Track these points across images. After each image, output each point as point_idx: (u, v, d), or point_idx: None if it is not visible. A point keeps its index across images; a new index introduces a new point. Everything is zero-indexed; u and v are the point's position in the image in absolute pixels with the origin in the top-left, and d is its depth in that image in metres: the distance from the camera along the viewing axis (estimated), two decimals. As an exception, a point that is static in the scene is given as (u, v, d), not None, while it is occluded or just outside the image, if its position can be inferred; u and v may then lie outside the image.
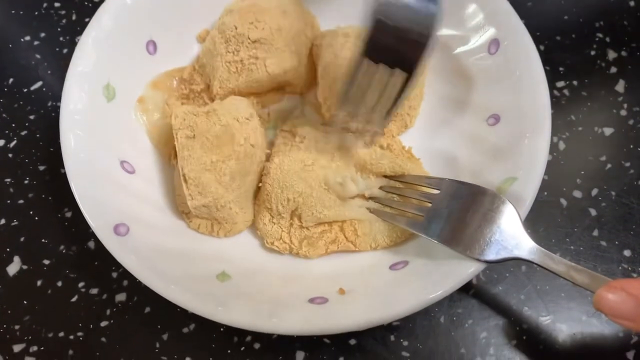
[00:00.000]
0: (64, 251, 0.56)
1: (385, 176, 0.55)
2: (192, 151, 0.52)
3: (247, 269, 0.52)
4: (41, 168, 0.61)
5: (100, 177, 0.51)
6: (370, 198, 0.55)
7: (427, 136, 0.60)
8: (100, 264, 0.55)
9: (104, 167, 0.52)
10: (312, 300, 0.48)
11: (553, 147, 0.62)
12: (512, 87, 0.55)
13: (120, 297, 0.54)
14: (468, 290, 0.54)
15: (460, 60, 0.60)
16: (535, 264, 0.44)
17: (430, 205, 0.50)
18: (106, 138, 0.54)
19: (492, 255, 0.45)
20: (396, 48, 0.43)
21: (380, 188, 0.55)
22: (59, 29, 0.69)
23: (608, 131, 0.63)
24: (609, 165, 0.61)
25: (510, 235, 0.45)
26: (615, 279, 0.40)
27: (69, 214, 0.58)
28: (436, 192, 0.51)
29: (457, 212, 0.48)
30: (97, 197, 0.50)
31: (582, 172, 0.61)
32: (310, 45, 0.61)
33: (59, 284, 0.55)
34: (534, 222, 0.58)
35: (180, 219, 0.55)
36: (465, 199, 0.49)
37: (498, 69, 0.57)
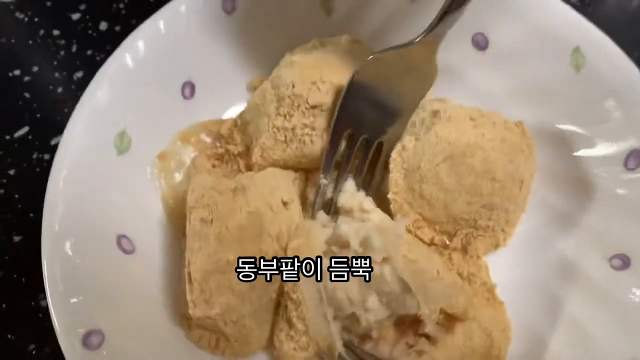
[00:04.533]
0: (34, 352, 0.45)
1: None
2: (204, 242, 0.39)
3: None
4: (16, 239, 0.49)
5: (85, 259, 0.39)
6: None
7: (521, 261, 0.45)
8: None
9: (93, 244, 0.40)
10: None
11: None
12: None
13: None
14: None
15: (581, 167, 0.45)
16: None
17: None
18: (105, 204, 0.42)
19: None
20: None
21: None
22: (55, 63, 0.57)
23: None
24: None
25: None
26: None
27: (44, 303, 0.46)
28: None
29: None
30: (73, 288, 0.38)
31: None
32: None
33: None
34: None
35: (179, 324, 0.42)
36: None
37: (636, 192, 0.42)
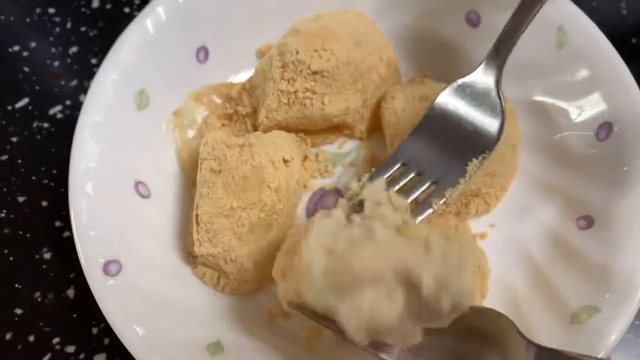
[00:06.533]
0: (39, 299, 0.49)
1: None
2: (212, 189, 0.44)
3: (246, 343, 0.43)
4: (20, 199, 0.52)
5: (106, 198, 0.44)
6: None
7: (504, 224, 0.49)
8: (79, 317, 0.47)
9: (114, 186, 0.45)
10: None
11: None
12: (614, 185, 0.44)
13: (100, 358, 0.47)
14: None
15: (558, 136, 0.49)
16: None
17: None
18: (125, 153, 0.47)
19: None
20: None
21: None
22: (51, 39, 0.60)
23: None
24: None
25: None
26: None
27: (47, 255, 0.50)
28: None
29: None
30: (95, 222, 0.43)
31: None
32: (381, 86, 0.51)
33: (31, 338, 0.48)
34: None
35: (186, 262, 0.47)
36: None
37: (603, 160, 0.46)
